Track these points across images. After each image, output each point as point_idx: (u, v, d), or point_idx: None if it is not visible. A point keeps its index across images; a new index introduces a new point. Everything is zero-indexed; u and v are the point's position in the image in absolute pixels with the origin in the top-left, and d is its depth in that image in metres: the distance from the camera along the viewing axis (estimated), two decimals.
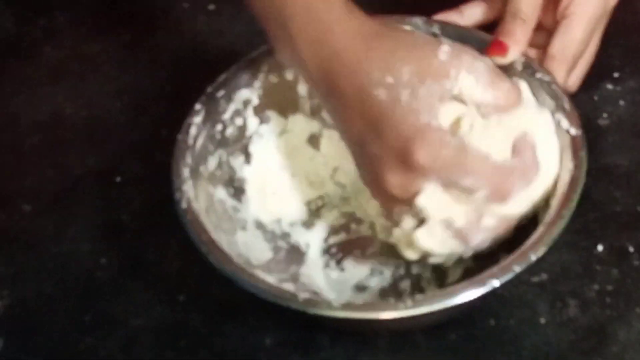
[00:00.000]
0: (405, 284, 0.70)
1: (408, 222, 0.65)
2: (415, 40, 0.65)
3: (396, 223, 0.66)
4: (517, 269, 0.60)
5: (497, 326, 0.68)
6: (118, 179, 0.80)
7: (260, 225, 0.73)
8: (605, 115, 0.79)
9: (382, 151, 0.63)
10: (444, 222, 0.64)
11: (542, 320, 0.68)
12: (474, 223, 0.63)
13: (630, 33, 0.84)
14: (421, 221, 0.64)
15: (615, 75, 0.82)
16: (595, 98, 0.79)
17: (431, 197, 0.63)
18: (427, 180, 0.62)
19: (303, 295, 0.61)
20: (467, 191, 0.62)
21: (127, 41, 0.91)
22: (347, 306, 0.60)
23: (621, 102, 0.80)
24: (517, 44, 0.69)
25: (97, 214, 0.77)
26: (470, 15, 0.75)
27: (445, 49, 0.63)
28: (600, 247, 0.72)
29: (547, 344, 0.67)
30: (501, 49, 0.69)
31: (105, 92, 0.87)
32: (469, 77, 0.63)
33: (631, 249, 0.71)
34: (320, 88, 0.65)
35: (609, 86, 0.81)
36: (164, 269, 0.73)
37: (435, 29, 0.72)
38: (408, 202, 0.63)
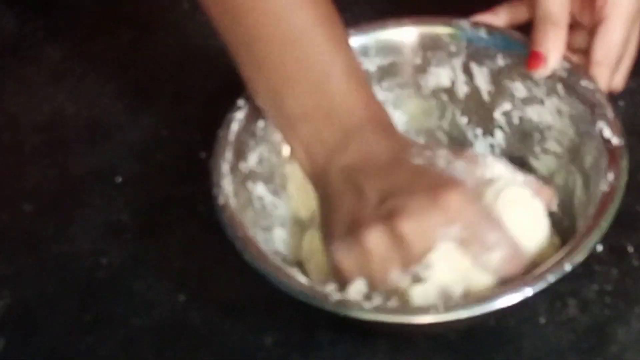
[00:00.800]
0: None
1: (404, 280, 0.62)
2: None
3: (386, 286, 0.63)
4: (551, 278, 0.60)
5: (497, 326, 0.68)
6: (118, 179, 0.80)
7: (299, 222, 0.72)
8: None
9: (405, 198, 0.61)
10: (440, 288, 0.62)
11: (542, 320, 0.68)
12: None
13: None
14: (417, 279, 0.62)
15: None
16: None
17: (443, 256, 0.61)
18: (448, 232, 0.60)
19: (336, 297, 0.60)
20: (486, 248, 0.61)
21: (127, 41, 0.91)
22: (378, 309, 0.60)
23: (621, 103, 0.80)
24: (554, 50, 0.68)
25: (97, 214, 0.78)
26: (505, 16, 0.74)
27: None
28: (599, 247, 0.72)
29: (547, 343, 0.67)
30: (539, 61, 0.68)
31: (105, 92, 0.87)
32: None
33: (631, 249, 0.72)
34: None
35: None
36: (164, 269, 0.73)
37: (482, 32, 0.72)
38: (416, 258, 0.61)
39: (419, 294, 0.62)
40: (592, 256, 0.71)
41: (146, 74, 0.88)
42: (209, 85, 0.84)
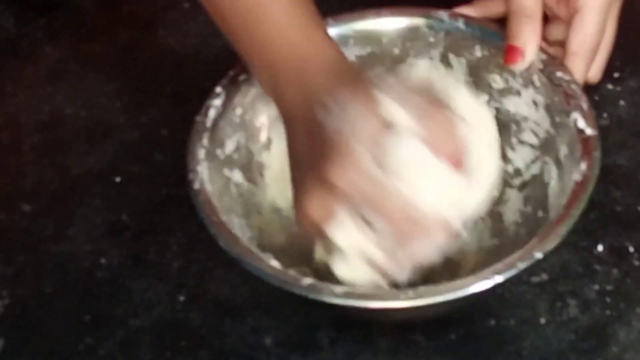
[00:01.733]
0: (416, 276, 0.70)
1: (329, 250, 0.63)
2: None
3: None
4: (522, 265, 0.60)
5: (497, 326, 0.68)
6: (118, 179, 0.80)
7: (276, 211, 0.72)
8: (605, 115, 0.79)
9: (307, 173, 0.61)
10: (361, 255, 0.61)
11: (542, 320, 0.68)
12: (390, 259, 0.61)
13: (630, 34, 0.84)
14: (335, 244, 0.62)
15: (616, 75, 0.82)
16: (596, 98, 0.79)
17: (344, 228, 0.60)
18: (341, 207, 0.59)
19: (306, 281, 0.60)
20: (372, 227, 0.60)
21: (127, 41, 0.91)
22: (349, 294, 0.60)
23: (621, 102, 0.80)
24: (530, 43, 0.69)
25: (97, 214, 0.77)
26: (481, 10, 0.74)
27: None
28: (600, 247, 0.72)
29: (547, 344, 0.67)
30: (516, 55, 0.69)
31: (105, 92, 0.87)
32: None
33: (631, 249, 0.71)
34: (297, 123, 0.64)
35: (609, 86, 0.81)
36: (164, 269, 0.73)
37: (460, 23, 0.72)
38: (322, 229, 0.61)
39: (342, 267, 0.62)
40: (593, 256, 0.71)
41: (146, 74, 0.88)
42: (209, 85, 0.83)
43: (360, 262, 0.62)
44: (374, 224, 0.60)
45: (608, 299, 0.69)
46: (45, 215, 0.78)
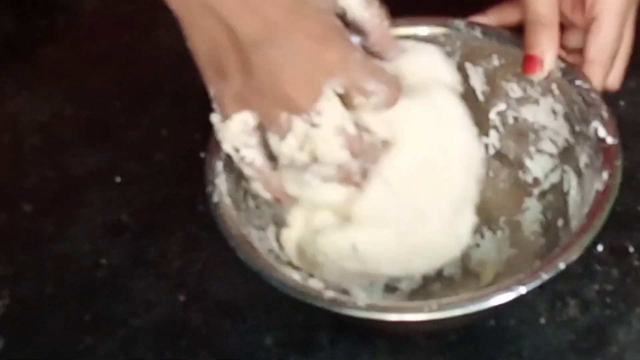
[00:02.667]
0: (437, 287, 0.70)
1: (300, 125, 0.63)
2: None
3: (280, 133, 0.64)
4: (545, 276, 0.60)
5: (497, 326, 0.68)
6: (118, 179, 0.80)
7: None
8: None
9: (285, 53, 0.61)
10: (337, 130, 0.63)
11: (542, 320, 0.68)
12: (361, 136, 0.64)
13: None
14: (312, 125, 0.63)
15: None
16: None
17: (330, 102, 0.62)
18: (331, 81, 0.61)
19: (329, 294, 0.60)
20: (366, 94, 0.62)
21: (127, 41, 0.91)
22: (371, 307, 0.59)
23: (621, 102, 0.80)
24: (548, 52, 0.68)
25: (97, 214, 0.77)
26: (495, 18, 0.74)
27: None
28: (600, 247, 0.72)
29: (547, 344, 0.67)
30: (535, 64, 0.68)
31: (105, 92, 0.87)
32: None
33: (631, 249, 0.71)
34: None
35: None
36: (164, 269, 0.73)
37: (477, 32, 0.72)
38: (304, 107, 0.62)
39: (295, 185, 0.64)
40: (593, 256, 0.71)
41: (146, 74, 0.88)
42: None
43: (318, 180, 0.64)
44: (368, 92, 0.62)
45: (608, 299, 0.69)
46: (45, 215, 0.78)
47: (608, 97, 0.80)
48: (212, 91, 0.65)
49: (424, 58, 0.68)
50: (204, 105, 0.83)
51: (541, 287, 0.69)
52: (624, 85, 0.80)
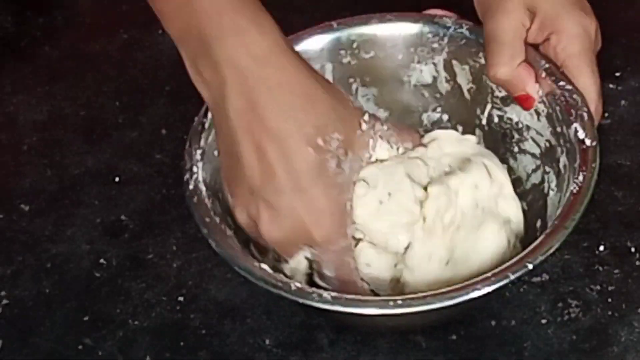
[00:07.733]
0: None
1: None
2: (344, 104, 0.64)
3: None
4: (512, 276, 0.60)
5: (498, 326, 0.68)
6: (117, 179, 0.80)
7: None
8: (606, 114, 0.79)
9: (283, 199, 0.62)
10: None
11: (543, 321, 0.68)
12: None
13: (631, 33, 0.84)
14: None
15: (617, 74, 0.82)
16: None
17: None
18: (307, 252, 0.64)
19: (295, 285, 0.60)
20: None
21: (127, 41, 0.91)
22: (337, 299, 0.60)
23: (623, 102, 0.80)
24: (530, 82, 0.68)
25: (97, 214, 0.77)
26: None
27: (366, 118, 0.65)
28: (601, 247, 0.71)
29: (548, 344, 0.67)
30: (528, 100, 0.68)
31: (104, 91, 0.87)
32: (383, 143, 0.66)
33: (633, 249, 0.71)
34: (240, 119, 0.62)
35: (611, 85, 0.81)
36: (163, 269, 0.73)
37: (464, 29, 0.72)
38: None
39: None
40: (594, 256, 0.71)
41: (145, 73, 0.88)
42: None
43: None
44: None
45: (609, 300, 0.69)
46: (44, 215, 0.78)
47: (611, 96, 0.80)
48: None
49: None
50: (204, 105, 0.83)
51: (542, 287, 0.70)
52: (625, 85, 0.80)
